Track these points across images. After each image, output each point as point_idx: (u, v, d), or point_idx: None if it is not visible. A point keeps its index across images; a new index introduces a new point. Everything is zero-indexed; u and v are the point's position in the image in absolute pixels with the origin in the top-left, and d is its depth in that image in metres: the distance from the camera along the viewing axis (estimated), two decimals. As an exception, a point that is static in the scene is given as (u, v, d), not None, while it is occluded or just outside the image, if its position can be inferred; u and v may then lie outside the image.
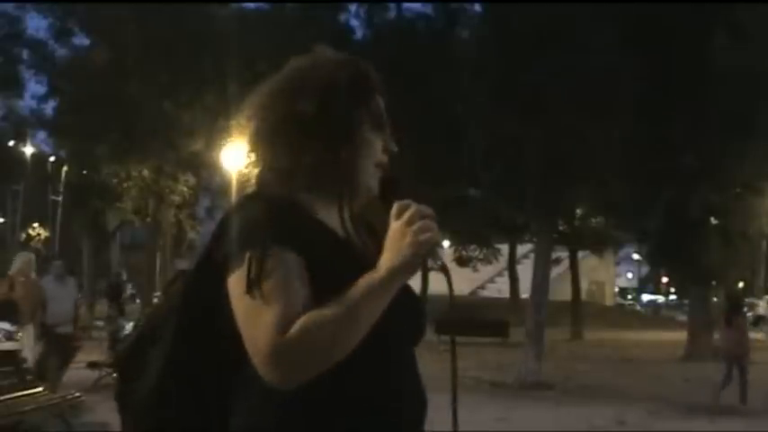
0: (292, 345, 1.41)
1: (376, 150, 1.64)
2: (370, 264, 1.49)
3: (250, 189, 1.65)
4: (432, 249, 1.48)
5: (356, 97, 1.62)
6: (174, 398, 1.57)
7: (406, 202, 1.51)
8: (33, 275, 11.11)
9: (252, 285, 1.46)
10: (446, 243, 47.21)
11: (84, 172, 38.63)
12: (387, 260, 1.47)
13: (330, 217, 1.61)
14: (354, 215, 1.64)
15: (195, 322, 1.58)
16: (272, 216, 1.51)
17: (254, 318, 1.45)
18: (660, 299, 74.90)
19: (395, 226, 1.48)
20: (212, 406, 1.57)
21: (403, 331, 1.61)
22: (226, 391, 1.56)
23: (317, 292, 1.47)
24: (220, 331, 1.52)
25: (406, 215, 1.48)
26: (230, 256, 1.51)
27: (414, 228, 1.46)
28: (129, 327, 15.90)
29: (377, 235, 1.58)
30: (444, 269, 1.52)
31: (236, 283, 1.49)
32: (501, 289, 50.42)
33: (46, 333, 10.92)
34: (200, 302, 1.56)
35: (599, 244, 39.60)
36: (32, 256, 11.66)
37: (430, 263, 1.50)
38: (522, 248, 46.22)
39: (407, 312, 1.62)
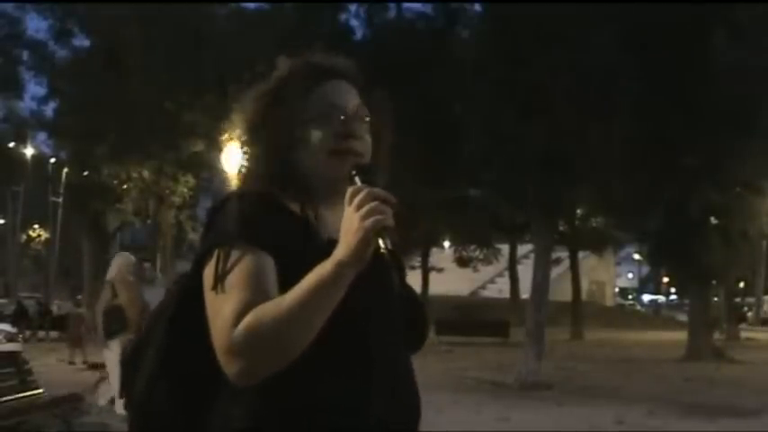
0: (238, 340, 1.41)
1: (326, 140, 1.61)
2: None
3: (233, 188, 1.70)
4: (381, 233, 1.38)
5: (292, 93, 1.64)
6: (162, 399, 1.58)
7: (358, 186, 1.45)
8: (131, 279, 9.83)
9: (216, 281, 1.48)
10: (446, 243, 47.30)
11: (85, 173, 38.63)
12: (337, 249, 1.42)
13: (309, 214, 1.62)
14: (335, 210, 1.61)
15: (185, 323, 1.59)
16: (243, 213, 1.53)
17: (216, 313, 1.47)
18: (660, 299, 74.91)
19: (346, 213, 1.43)
20: (201, 407, 1.57)
21: (391, 334, 1.59)
22: (214, 391, 1.55)
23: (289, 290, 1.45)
24: (206, 332, 1.51)
25: (356, 199, 1.42)
26: (203, 256, 1.54)
27: (361, 212, 1.39)
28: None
29: None
30: (393, 255, 1.40)
31: (205, 279, 1.52)
32: (501, 289, 50.48)
33: None
34: (192, 303, 1.57)
35: (599, 244, 39.65)
36: (131, 257, 10.32)
37: (378, 248, 1.39)
38: (522, 249, 46.25)
39: (389, 312, 1.60)
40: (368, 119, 1.66)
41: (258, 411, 1.50)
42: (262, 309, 1.42)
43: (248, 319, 1.41)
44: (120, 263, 9.75)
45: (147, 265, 12.11)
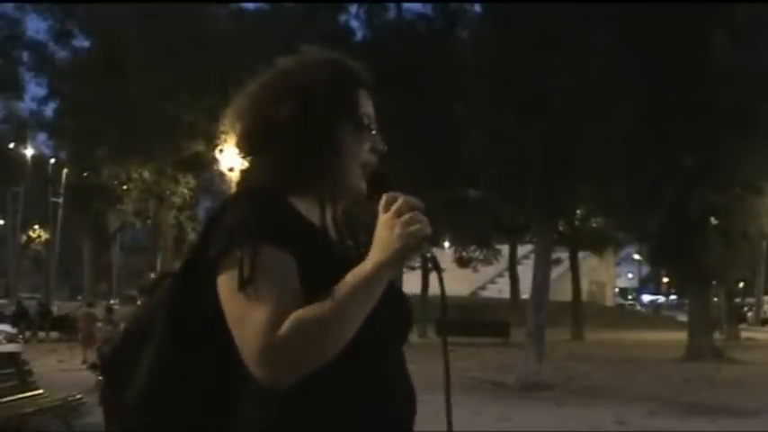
0: (282, 344, 1.39)
1: (359, 151, 1.61)
2: (352, 264, 1.47)
3: (238, 188, 1.64)
4: (421, 242, 1.44)
5: (336, 98, 1.60)
6: (163, 399, 1.54)
7: (393, 194, 1.48)
8: None
9: (244, 284, 1.44)
10: (446, 244, 47.27)
11: (85, 174, 38.66)
12: (374, 253, 1.44)
13: (316, 217, 1.60)
14: (339, 216, 1.64)
15: (184, 322, 1.55)
16: (262, 215, 1.50)
17: (245, 317, 1.43)
18: (660, 299, 74.84)
19: (383, 218, 1.45)
20: (203, 407, 1.55)
21: (394, 330, 1.61)
22: (217, 391, 1.53)
23: (305, 292, 1.45)
24: (210, 331, 1.50)
25: (395, 207, 1.45)
26: (220, 255, 1.48)
27: (403, 219, 1.43)
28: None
29: (358, 237, 1.63)
30: (435, 263, 1.49)
31: (225, 281, 1.47)
32: (501, 290, 50.46)
33: None
34: (190, 302, 1.54)
35: (599, 244, 39.63)
36: None
37: (423, 255, 1.47)
38: (522, 249, 46.24)
39: (396, 311, 1.61)
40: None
41: (278, 415, 1.49)
42: (305, 311, 1.41)
43: (291, 322, 1.40)
44: None
45: None
